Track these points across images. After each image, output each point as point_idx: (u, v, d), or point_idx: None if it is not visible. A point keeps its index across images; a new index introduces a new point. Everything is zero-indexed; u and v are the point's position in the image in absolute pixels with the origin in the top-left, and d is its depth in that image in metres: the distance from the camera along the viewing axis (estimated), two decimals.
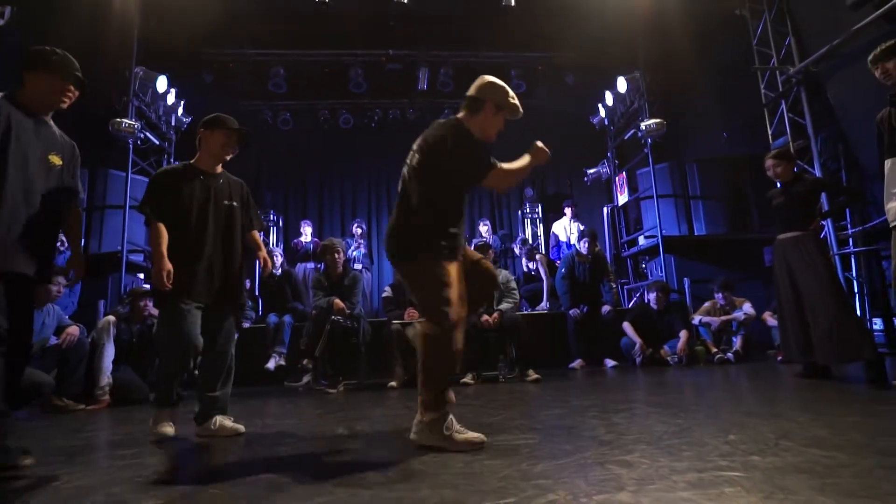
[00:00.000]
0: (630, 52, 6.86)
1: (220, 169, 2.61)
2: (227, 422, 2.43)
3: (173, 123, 6.81)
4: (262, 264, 2.70)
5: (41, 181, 2.01)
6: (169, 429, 2.38)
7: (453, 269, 1.97)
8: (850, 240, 5.45)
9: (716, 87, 6.80)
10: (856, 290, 5.45)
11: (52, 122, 2.13)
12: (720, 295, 5.19)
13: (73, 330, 3.75)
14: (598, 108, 7.80)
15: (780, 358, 4.50)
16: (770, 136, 5.98)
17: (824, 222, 5.42)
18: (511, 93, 2.13)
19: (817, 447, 1.57)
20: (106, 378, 3.83)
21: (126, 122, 5.68)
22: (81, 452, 2.12)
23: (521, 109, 2.16)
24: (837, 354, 3.03)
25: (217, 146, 2.54)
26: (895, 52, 2.61)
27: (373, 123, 8.44)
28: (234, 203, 2.59)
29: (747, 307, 5.06)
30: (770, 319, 5.04)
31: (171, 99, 6.49)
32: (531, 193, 8.73)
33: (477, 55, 7.68)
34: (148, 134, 6.20)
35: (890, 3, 4.12)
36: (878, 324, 5.39)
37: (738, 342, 4.92)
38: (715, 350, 4.93)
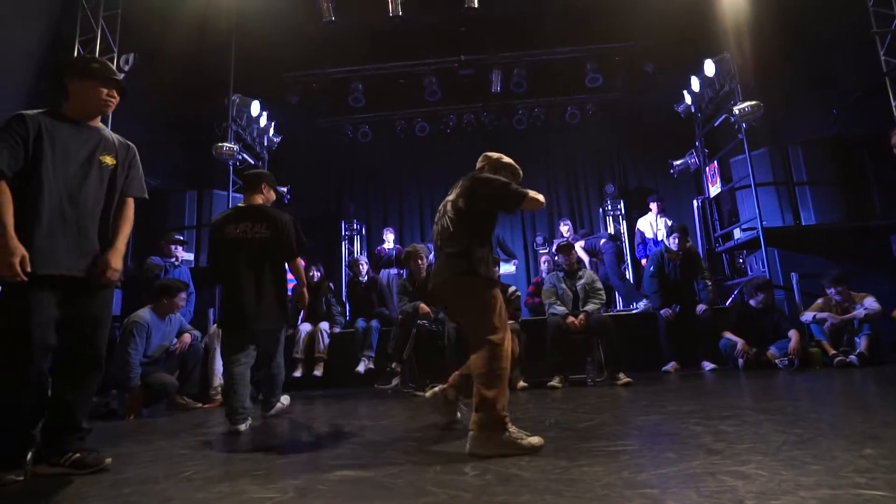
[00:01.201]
0: (715, 34, 6.37)
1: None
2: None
3: (266, 143, 7.35)
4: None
5: (90, 182, 2.03)
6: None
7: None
8: None
9: (818, 61, 6.13)
10: None
11: (102, 126, 2.18)
12: (833, 290, 4.65)
13: (186, 337, 4.14)
14: (682, 96, 7.32)
15: None
16: (895, 109, 5.28)
17: None
18: (505, 157, 2.44)
19: None
20: (218, 379, 4.20)
21: (227, 146, 6.22)
22: (204, 447, 2.34)
23: (519, 169, 2.45)
24: None
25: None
26: None
27: (448, 129, 8.55)
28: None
29: (870, 302, 4.49)
30: None
31: (263, 121, 7.02)
32: (612, 190, 8.37)
33: (549, 53, 7.55)
34: (245, 155, 6.75)
35: None
36: None
37: (862, 343, 4.36)
38: (833, 352, 4.43)
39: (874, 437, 1.75)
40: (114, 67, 2.22)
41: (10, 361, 1.82)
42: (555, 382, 4.06)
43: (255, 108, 6.69)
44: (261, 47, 6.47)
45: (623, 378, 4.00)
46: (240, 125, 6.70)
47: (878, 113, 5.42)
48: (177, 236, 5.15)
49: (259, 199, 3.21)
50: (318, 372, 4.88)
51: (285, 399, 3.43)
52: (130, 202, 2.21)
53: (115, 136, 2.20)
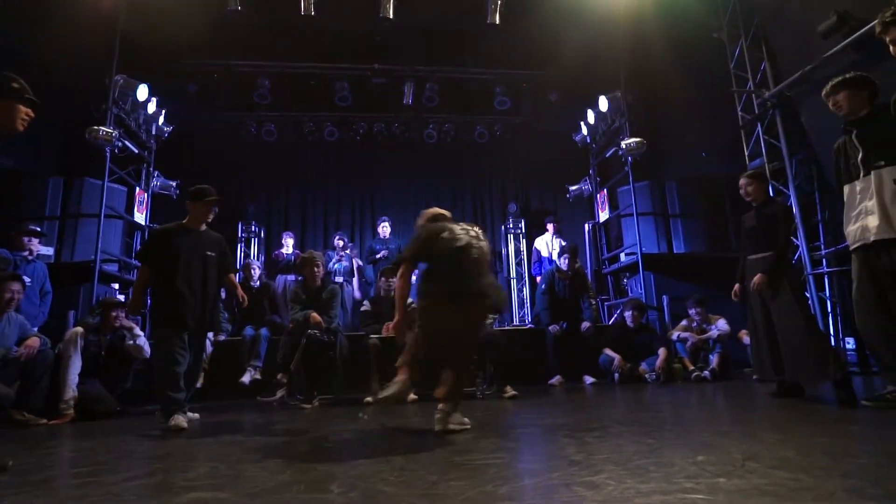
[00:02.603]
0: (612, 72, 6.99)
1: (203, 227, 3.41)
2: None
3: (154, 132, 6.72)
4: (239, 301, 3.67)
5: None
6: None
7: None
8: (824, 260, 5.56)
9: (695, 108, 6.95)
10: (829, 309, 5.55)
11: None
12: (693, 311, 5.24)
13: (33, 342, 3.62)
14: (580, 126, 7.90)
15: (755, 376, 4.53)
16: (747, 158, 6.12)
17: (797, 242, 5.53)
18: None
19: (783, 469, 1.57)
20: (71, 391, 3.69)
21: (103, 130, 5.59)
22: (34, 471, 2.03)
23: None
24: (805, 373, 3.06)
25: (200, 213, 3.37)
26: (843, 87, 2.76)
27: (358, 136, 8.44)
28: (212, 254, 3.36)
29: (721, 323, 5.12)
30: (746, 338, 5.07)
31: (151, 108, 6.42)
32: (514, 209, 8.78)
33: (462, 71, 7.76)
34: (127, 142, 6.11)
35: (856, 34, 4.27)
36: (850, 343, 5.49)
37: (714, 360, 4.95)
38: (692, 368, 4.96)
39: (708, 445, 1.96)
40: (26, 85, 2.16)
41: None
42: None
43: (143, 92, 6.11)
44: (155, 27, 5.92)
45: (509, 391, 4.14)
46: (123, 109, 6.07)
47: (739, 157, 6.25)
48: (32, 227, 4.51)
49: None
50: (198, 383, 4.48)
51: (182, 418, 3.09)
52: None
53: None
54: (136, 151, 6.39)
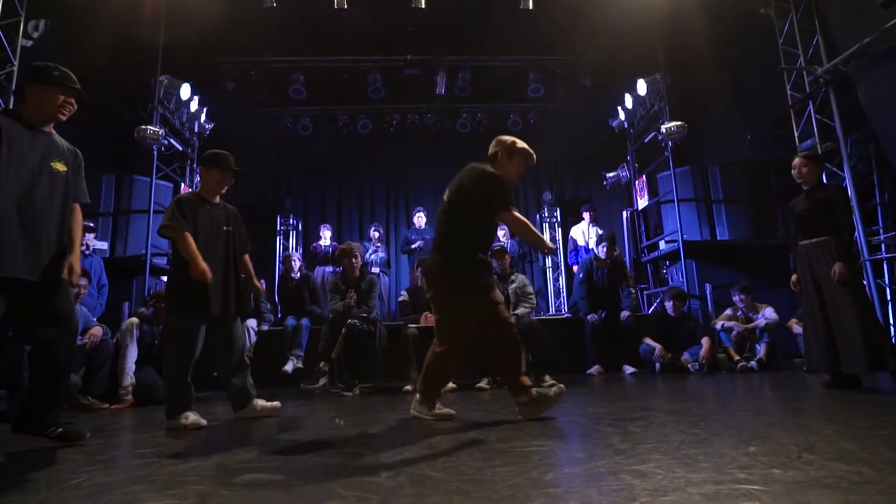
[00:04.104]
0: (650, 54, 6.77)
1: (218, 199, 2.99)
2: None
3: (196, 130, 6.97)
4: (254, 293, 3.45)
5: (41, 188, 2.16)
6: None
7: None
8: (883, 245, 5.27)
9: (739, 89, 6.67)
10: (888, 297, 5.26)
11: (54, 132, 2.29)
12: (738, 297, 5.08)
13: (97, 331, 3.85)
14: (617, 111, 7.71)
15: (805, 367, 4.36)
16: (797, 139, 5.83)
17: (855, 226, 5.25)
18: (519, 142, 2.60)
19: (843, 461, 1.51)
20: (129, 378, 3.92)
21: (151, 129, 5.83)
22: (102, 451, 2.17)
23: (532, 154, 2.64)
24: (863, 364, 2.93)
25: (214, 182, 2.92)
26: None
27: (391, 128, 8.49)
28: (230, 229, 2.97)
29: (769, 312, 4.93)
30: (796, 327, 4.90)
31: (194, 106, 6.65)
32: (549, 197, 8.66)
33: (495, 59, 7.69)
34: (172, 140, 6.35)
35: None
36: None
37: (761, 350, 4.78)
38: (738, 358, 4.81)
39: (759, 436, 1.91)
40: (72, 75, 2.28)
41: None
42: (483, 384, 4.13)
43: (186, 91, 6.33)
44: (195, 28, 6.11)
45: (549, 381, 4.13)
46: (167, 108, 6.30)
47: (786, 140, 5.97)
48: (86, 223, 4.75)
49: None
50: None
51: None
52: (78, 207, 2.35)
53: (64, 143, 2.32)
54: (181, 149, 6.64)
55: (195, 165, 6.88)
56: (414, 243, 6.87)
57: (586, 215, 7.26)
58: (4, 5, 4.75)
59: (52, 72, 2.20)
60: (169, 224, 2.72)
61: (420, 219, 7.15)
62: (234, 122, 7.93)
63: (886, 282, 5.26)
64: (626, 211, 7.98)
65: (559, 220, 8.40)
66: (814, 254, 3.16)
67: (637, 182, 7.70)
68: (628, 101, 7.34)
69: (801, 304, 3.59)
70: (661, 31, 6.59)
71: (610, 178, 8.14)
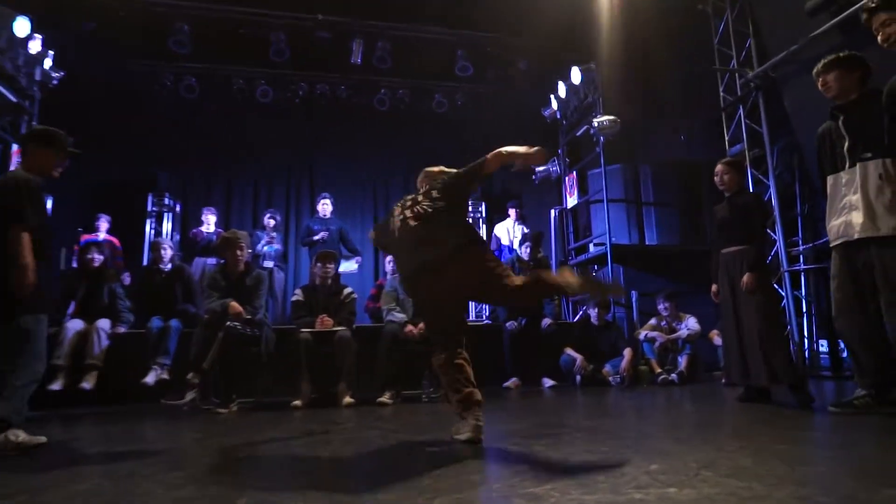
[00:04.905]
0: (587, 41, 7.07)
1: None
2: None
3: (38, 78, 6.25)
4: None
5: None
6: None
7: None
8: (801, 256, 5.90)
9: (675, 86, 7.15)
10: (804, 309, 5.90)
11: None
12: (663, 306, 5.46)
13: None
14: (550, 100, 7.98)
15: (724, 380, 4.78)
16: (727, 143, 6.37)
17: (775, 237, 5.83)
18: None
19: (737, 478, 1.65)
20: None
21: None
22: None
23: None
24: (765, 376, 3.24)
25: (48, 164, 2.83)
26: (834, 66, 2.87)
27: (297, 99, 8.20)
28: None
29: (691, 322, 5.35)
30: (717, 338, 5.34)
31: (35, 47, 5.94)
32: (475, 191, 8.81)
33: (419, 30, 7.65)
34: (1, 88, 5.66)
35: (844, 14, 4.49)
36: (823, 346, 5.87)
37: (683, 362, 5.18)
38: (659, 370, 5.17)
39: (663, 454, 2.05)
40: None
41: None
42: (385, 398, 4.10)
43: (23, 27, 5.63)
44: None
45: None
46: None
47: (719, 143, 6.49)
48: None
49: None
50: (87, 384, 4.28)
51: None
52: None
53: None
54: (14, 100, 5.93)
55: (35, 122, 6.18)
56: (317, 234, 6.68)
57: (512, 212, 7.47)
58: None
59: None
60: (18, 212, 2.61)
61: (325, 206, 6.97)
62: (93, 73, 7.25)
63: (803, 293, 5.90)
64: (555, 209, 8.28)
65: (484, 215, 8.57)
66: (731, 263, 3.47)
67: (567, 178, 8.03)
68: (562, 89, 7.63)
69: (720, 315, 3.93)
70: (599, 18, 6.90)
71: (540, 172, 8.40)
